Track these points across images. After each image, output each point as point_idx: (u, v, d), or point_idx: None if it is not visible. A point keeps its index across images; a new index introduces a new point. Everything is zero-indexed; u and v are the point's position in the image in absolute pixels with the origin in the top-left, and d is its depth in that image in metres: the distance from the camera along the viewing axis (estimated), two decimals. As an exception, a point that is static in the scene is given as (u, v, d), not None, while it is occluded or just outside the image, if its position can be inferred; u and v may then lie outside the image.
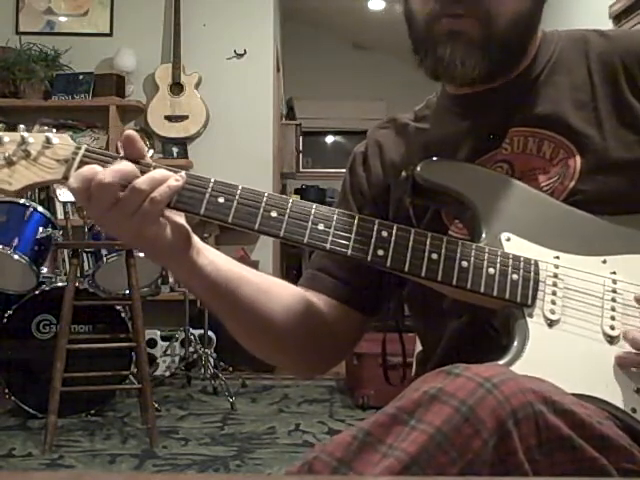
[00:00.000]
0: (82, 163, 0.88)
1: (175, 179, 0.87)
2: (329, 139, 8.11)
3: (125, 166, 0.86)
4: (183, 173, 0.89)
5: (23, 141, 0.88)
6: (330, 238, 0.89)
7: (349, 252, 0.89)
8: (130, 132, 0.90)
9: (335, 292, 1.10)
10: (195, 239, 0.94)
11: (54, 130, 0.92)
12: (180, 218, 0.91)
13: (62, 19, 4.99)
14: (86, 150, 0.89)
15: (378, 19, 6.70)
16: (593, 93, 1.01)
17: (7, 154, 0.87)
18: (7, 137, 0.88)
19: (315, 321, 1.08)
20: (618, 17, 3.96)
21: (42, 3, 4.96)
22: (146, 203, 0.85)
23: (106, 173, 0.84)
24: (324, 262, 1.12)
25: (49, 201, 4.14)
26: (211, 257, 0.96)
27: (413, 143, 1.11)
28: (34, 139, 0.88)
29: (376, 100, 7.44)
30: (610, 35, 1.05)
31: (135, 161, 0.88)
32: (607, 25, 3.98)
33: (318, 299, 1.10)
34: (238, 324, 1.04)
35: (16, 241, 3.32)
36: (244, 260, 4.87)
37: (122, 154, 0.89)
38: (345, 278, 1.10)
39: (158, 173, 0.87)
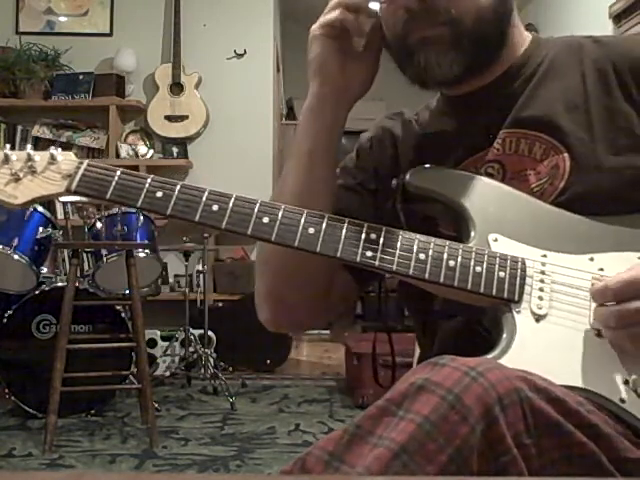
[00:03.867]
0: (84, 176, 0.92)
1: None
2: (329, 139, 8.11)
3: None
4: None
5: (29, 158, 0.93)
6: (320, 242, 0.92)
7: (339, 254, 0.92)
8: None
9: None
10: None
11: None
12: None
13: (62, 19, 4.99)
14: (88, 165, 0.93)
15: (378, 19, 6.70)
16: (586, 96, 1.02)
17: (14, 170, 0.92)
18: (14, 155, 0.93)
19: (321, 268, 1.06)
20: (618, 17, 3.96)
21: (42, 3, 4.96)
22: None
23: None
24: None
25: (49, 201, 4.14)
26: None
27: (410, 143, 1.13)
28: (40, 157, 0.94)
29: (376, 100, 7.43)
30: (604, 42, 1.07)
31: None
32: (607, 25, 3.98)
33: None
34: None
35: (16, 241, 3.32)
36: (244, 260, 4.88)
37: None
38: None
39: None
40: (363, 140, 1.20)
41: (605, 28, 3.96)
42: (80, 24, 4.99)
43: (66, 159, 0.94)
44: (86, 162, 0.94)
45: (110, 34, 4.97)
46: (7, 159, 0.93)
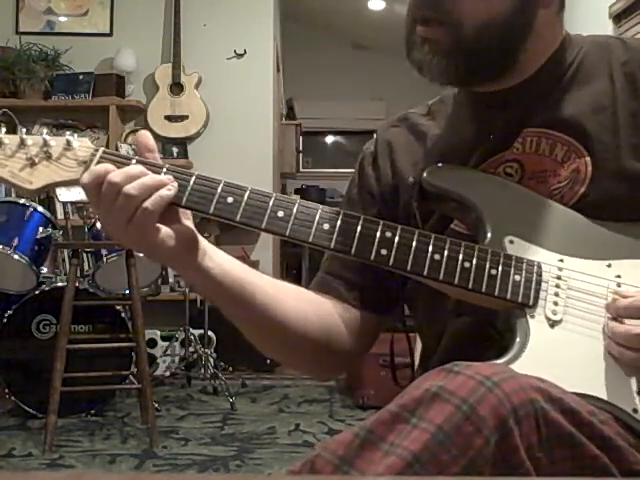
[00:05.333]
0: (99, 164, 0.91)
1: (167, 189, 0.88)
2: (329, 139, 8.11)
3: (134, 169, 0.88)
4: (173, 178, 0.90)
5: (45, 143, 0.92)
6: (334, 237, 0.91)
7: (352, 251, 0.91)
8: (142, 132, 0.94)
9: (346, 295, 1.10)
10: (202, 242, 0.94)
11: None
12: (187, 221, 0.93)
13: (62, 19, 4.99)
14: (103, 152, 0.92)
15: (378, 19, 6.70)
16: (614, 99, 1.01)
17: (29, 155, 0.91)
18: (30, 140, 0.92)
19: (329, 324, 1.08)
20: (618, 17, 3.96)
21: (42, 3, 4.96)
22: (138, 213, 0.87)
23: (115, 173, 0.87)
24: (333, 265, 1.12)
25: (49, 201, 4.13)
26: (218, 260, 0.96)
27: (425, 143, 1.10)
28: (55, 142, 0.92)
29: (376, 100, 7.43)
30: (632, 46, 1.05)
31: (148, 163, 0.91)
32: (607, 25, 3.98)
33: (330, 303, 1.10)
34: (250, 327, 1.04)
35: (16, 241, 3.32)
36: (244, 260, 4.87)
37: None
38: (355, 280, 1.10)
39: (149, 179, 0.88)
40: (367, 153, 1.16)
41: (605, 28, 3.96)
42: (80, 24, 4.98)
43: (82, 145, 0.92)
44: (101, 149, 0.92)
45: (110, 34, 4.97)
46: (23, 143, 0.91)
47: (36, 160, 0.91)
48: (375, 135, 1.17)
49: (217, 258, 0.96)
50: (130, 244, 0.93)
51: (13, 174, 0.90)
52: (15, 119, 3.81)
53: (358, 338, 1.11)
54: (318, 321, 1.06)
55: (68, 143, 0.92)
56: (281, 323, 1.02)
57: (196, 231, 0.93)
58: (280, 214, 0.91)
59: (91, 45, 4.93)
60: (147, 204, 0.87)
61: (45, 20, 4.97)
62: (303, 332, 1.04)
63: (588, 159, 0.98)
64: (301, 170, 6.95)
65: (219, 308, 1.01)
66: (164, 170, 0.91)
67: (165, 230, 0.89)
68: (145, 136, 0.93)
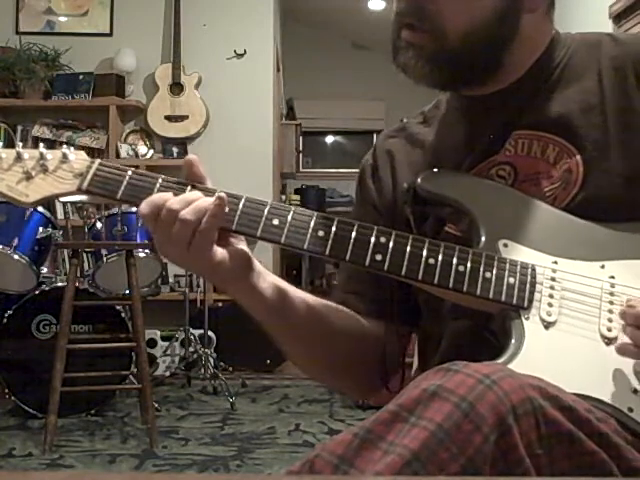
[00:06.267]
0: (95, 176, 0.93)
1: (216, 205, 0.89)
2: (329, 139, 8.11)
3: (192, 195, 0.90)
4: (222, 194, 0.91)
5: (42, 157, 0.93)
6: (329, 244, 0.92)
7: (347, 257, 0.91)
8: (192, 157, 0.96)
9: (372, 312, 1.10)
10: (256, 263, 0.96)
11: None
12: (242, 243, 0.94)
13: (62, 19, 4.99)
14: (99, 164, 0.94)
15: (378, 19, 6.69)
16: (602, 97, 1.00)
17: (26, 168, 0.92)
18: (27, 153, 0.93)
19: (365, 341, 1.08)
20: (618, 17, 3.96)
21: (42, 3, 4.96)
22: (196, 236, 0.88)
23: (174, 200, 0.89)
24: (350, 284, 1.13)
25: (49, 201, 4.14)
26: (271, 281, 0.98)
27: (422, 151, 1.11)
28: (52, 155, 0.94)
29: (376, 100, 7.44)
30: (623, 41, 1.05)
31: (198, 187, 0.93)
32: (607, 25, 3.98)
33: (357, 318, 1.10)
34: (299, 346, 1.06)
35: (16, 241, 3.32)
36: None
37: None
38: (375, 296, 1.10)
39: (203, 201, 0.90)
40: (366, 165, 1.16)
41: (605, 28, 3.96)
42: (80, 24, 4.98)
43: (78, 158, 0.94)
44: (98, 161, 0.94)
45: (110, 34, 4.97)
46: (19, 157, 0.92)
47: (33, 173, 0.92)
48: (373, 147, 1.17)
49: (270, 279, 0.98)
50: (192, 268, 0.95)
51: (10, 187, 0.91)
52: (12, 134, 3.81)
53: (392, 351, 1.10)
54: (358, 337, 1.08)
55: (64, 156, 0.93)
56: (331, 341, 1.05)
57: (250, 253, 0.95)
58: (275, 222, 0.91)
59: (91, 45, 4.94)
60: (201, 227, 0.88)
61: (45, 20, 4.97)
62: (348, 349, 1.06)
63: (579, 158, 0.98)
64: (301, 170, 6.95)
65: (269, 329, 1.02)
66: (159, 181, 0.92)
67: (221, 252, 0.91)
68: (192, 164, 0.95)
